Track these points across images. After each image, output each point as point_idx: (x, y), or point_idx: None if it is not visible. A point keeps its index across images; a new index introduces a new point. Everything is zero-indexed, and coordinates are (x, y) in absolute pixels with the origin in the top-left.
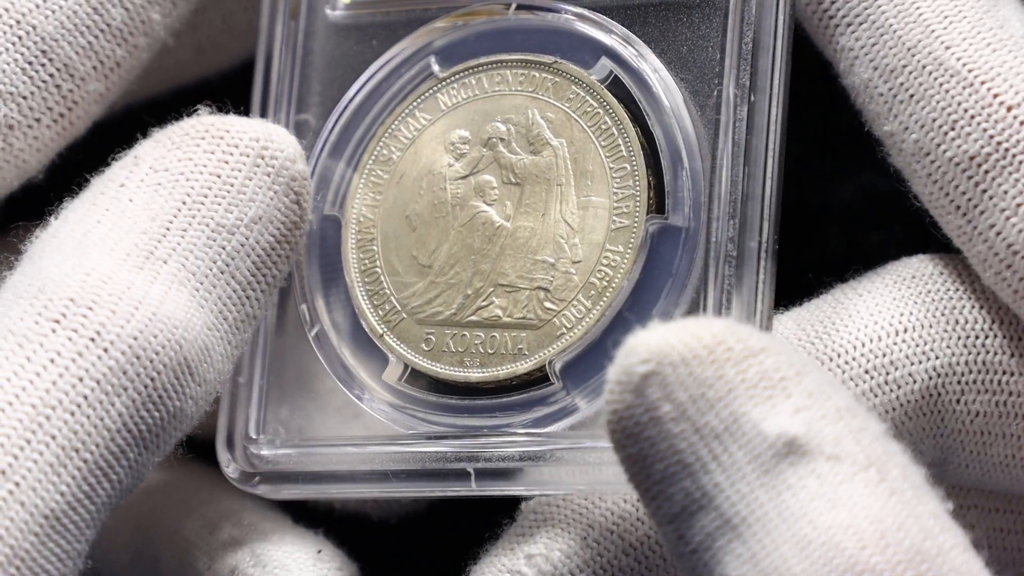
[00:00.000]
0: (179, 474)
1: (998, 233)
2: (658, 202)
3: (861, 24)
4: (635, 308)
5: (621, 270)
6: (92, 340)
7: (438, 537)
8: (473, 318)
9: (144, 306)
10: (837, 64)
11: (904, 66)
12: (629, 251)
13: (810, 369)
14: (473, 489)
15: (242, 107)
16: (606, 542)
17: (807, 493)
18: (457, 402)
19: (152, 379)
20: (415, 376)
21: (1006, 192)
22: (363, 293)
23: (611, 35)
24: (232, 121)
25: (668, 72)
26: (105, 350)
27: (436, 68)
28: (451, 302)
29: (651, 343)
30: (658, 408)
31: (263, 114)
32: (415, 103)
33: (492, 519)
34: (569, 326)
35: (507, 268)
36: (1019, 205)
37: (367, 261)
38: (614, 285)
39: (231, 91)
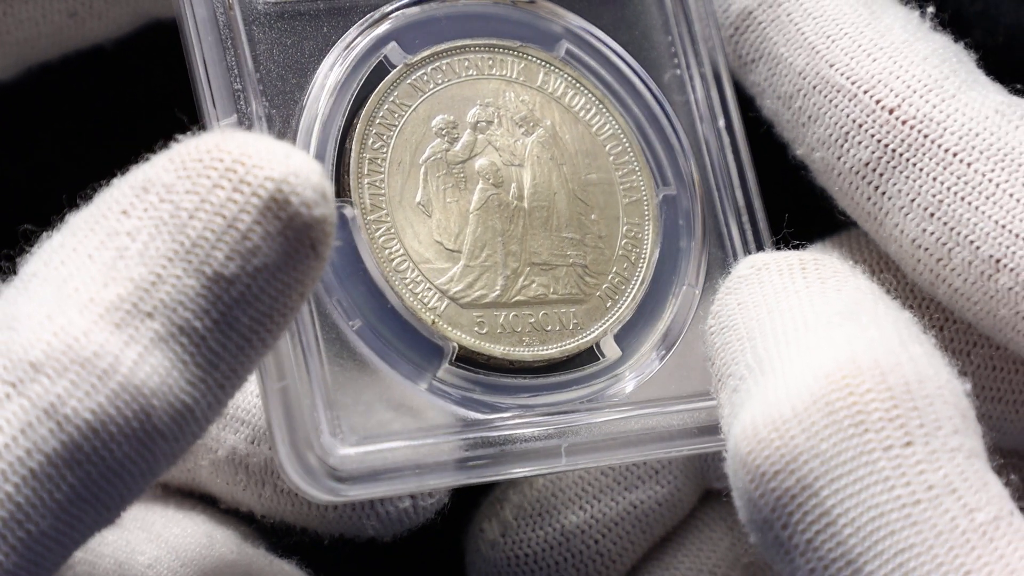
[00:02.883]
0: (157, 509)
1: (902, 231)
2: (652, 175)
3: (761, 59)
4: (668, 276)
5: (647, 241)
6: (46, 412)
7: (435, 553)
8: (520, 298)
9: (109, 376)
10: (756, 100)
11: (798, 90)
12: (647, 223)
13: (888, 300)
14: (563, 466)
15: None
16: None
17: (830, 343)
18: (530, 381)
19: (111, 451)
20: (468, 360)
21: (900, 191)
22: (400, 283)
23: (567, 21)
24: (251, 151)
25: (628, 55)
26: (59, 423)
27: (402, 54)
28: (493, 284)
29: (758, 257)
30: (747, 299)
31: (215, 108)
32: (389, 89)
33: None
34: (616, 298)
35: (537, 247)
36: (913, 201)
37: (391, 250)
38: (645, 256)
39: (126, 56)
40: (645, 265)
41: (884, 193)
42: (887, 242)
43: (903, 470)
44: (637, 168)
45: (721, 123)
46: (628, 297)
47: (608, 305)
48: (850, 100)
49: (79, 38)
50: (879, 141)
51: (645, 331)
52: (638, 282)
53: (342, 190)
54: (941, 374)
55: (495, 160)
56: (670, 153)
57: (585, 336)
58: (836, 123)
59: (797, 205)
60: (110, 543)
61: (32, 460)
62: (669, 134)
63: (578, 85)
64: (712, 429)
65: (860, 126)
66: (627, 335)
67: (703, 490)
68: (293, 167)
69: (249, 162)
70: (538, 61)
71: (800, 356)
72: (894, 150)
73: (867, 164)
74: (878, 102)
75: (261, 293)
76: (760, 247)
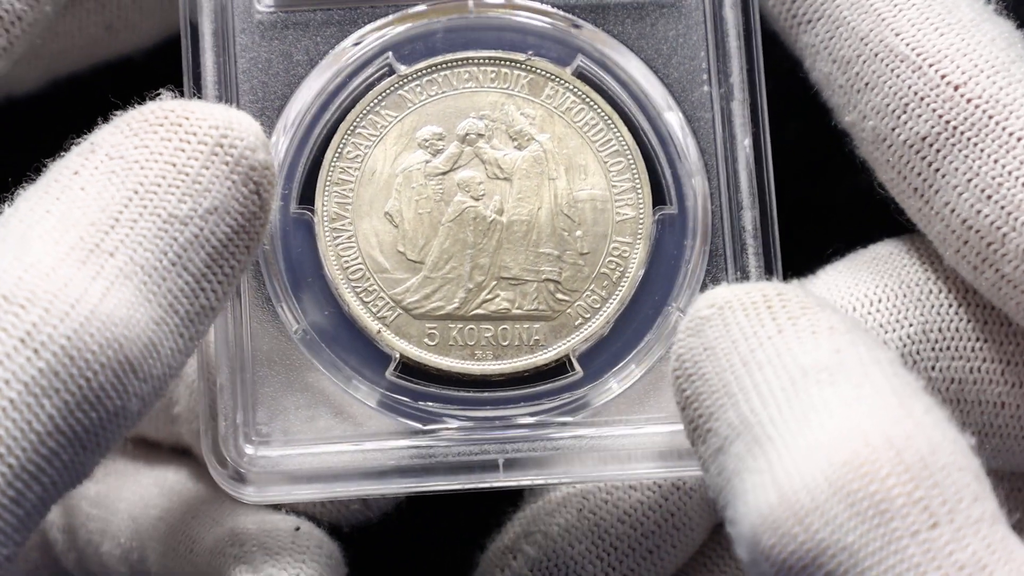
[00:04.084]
0: (169, 465)
1: (952, 210)
2: (655, 193)
3: (819, 20)
4: (651, 297)
5: (633, 260)
6: (22, 341)
7: (392, 544)
8: (479, 311)
9: (81, 304)
10: (803, 61)
11: (858, 56)
12: (638, 241)
13: (862, 331)
14: (500, 480)
15: (196, 97)
16: (601, 511)
17: (828, 410)
18: (474, 394)
19: (87, 379)
20: (416, 371)
21: (956, 169)
22: (350, 291)
23: (583, 34)
24: (192, 107)
25: (647, 69)
26: (35, 351)
27: (397, 65)
28: (452, 296)
29: (718, 294)
30: (715, 345)
31: None
32: (376, 100)
33: (444, 528)
34: (587, 316)
35: (508, 261)
36: (969, 181)
37: (348, 258)
38: (628, 275)
39: (153, 67)
40: (627, 284)
41: (938, 170)
42: (932, 220)
43: (932, 554)
44: (638, 186)
45: (747, 142)
46: (601, 316)
47: (577, 323)
48: (914, 71)
49: (111, 50)
50: (940, 116)
51: (616, 351)
52: (615, 301)
53: (308, 197)
54: (948, 435)
55: (478, 173)
56: (680, 172)
57: (544, 353)
58: (896, 93)
59: (817, 224)
60: (125, 499)
61: (11, 390)
62: (683, 152)
63: (587, 100)
64: (669, 455)
65: (922, 99)
66: (596, 354)
67: (713, 526)
68: (234, 117)
69: (192, 116)
70: (546, 74)
71: (800, 429)
72: (955, 127)
73: (924, 139)
74: (943, 77)
75: (211, 236)
76: (771, 271)
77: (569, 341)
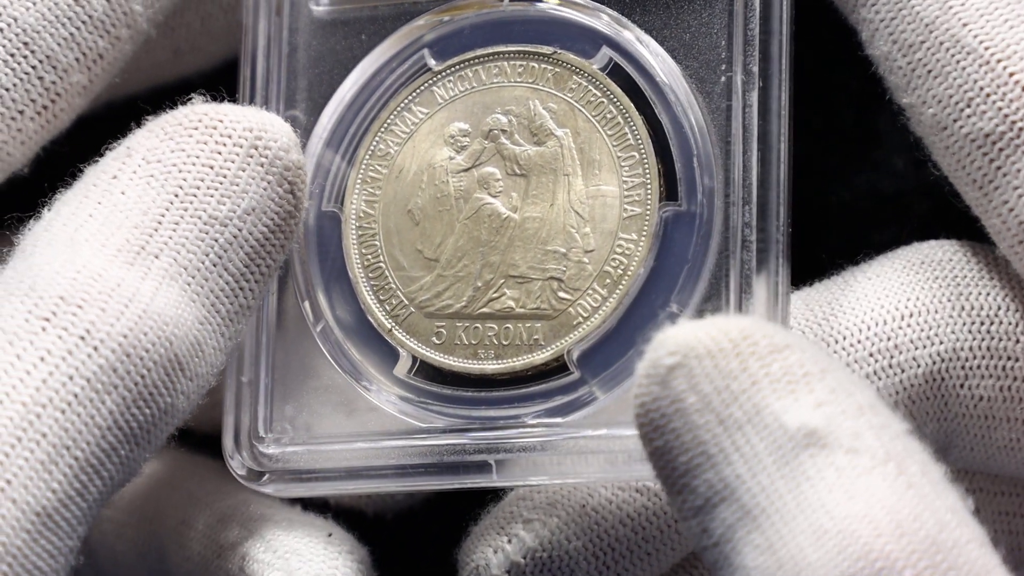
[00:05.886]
0: (185, 467)
1: (1011, 210)
2: (668, 189)
3: None
4: (651, 296)
5: (636, 258)
6: (82, 338)
7: (435, 531)
8: (485, 310)
9: (134, 303)
10: (860, 34)
11: (922, 42)
12: (643, 239)
13: (833, 367)
14: (494, 481)
15: (225, 100)
16: (604, 511)
17: (825, 484)
18: (473, 394)
19: (142, 376)
20: (426, 369)
21: (1019, 171)
22: (368, 288)
23: (610, 25)
24: (226, 110)
25: (671, 60)
26: (95, 348)
27: (431, 61)
28: (461, 295)
29: (679, 337)
30: (683, 399)
31: None
32: (410, 97)
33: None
34: (585, 315)
35: (517, 259)
36: None
37: (370, 256)
38: (629, 273)
39: (210, 88)
40: (627, 282)
41: (999, 168)
42: (988, 212)
43: None
44: (649, 182)
45: (772, 130)
46: (600, 315)
47: (576, 322)
48: (980, 66)
49: (175, 73)
50: (1006, 116)
51: (615, 351)
52: (616, 300)
53: (340, 195)
54: (948, 502)
55: (497, 170)
56: (695, 167)
57: (542, 352)
58: (960, 85)
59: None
60: (141, 498)
61: (75, 385)
62: (700, 147)
63: (608, 93)
64: None
65: (988, 95)
66: (594, 354)
67: None
68: (267, 119)
69: (227, 119)
70: (571, 68)
71: (799, 505)
72: (1020, 128)
73: (987, 135)
74: (1011, 75)
75: (250, 236)
76: (776, 278)
77: (567, 340)
